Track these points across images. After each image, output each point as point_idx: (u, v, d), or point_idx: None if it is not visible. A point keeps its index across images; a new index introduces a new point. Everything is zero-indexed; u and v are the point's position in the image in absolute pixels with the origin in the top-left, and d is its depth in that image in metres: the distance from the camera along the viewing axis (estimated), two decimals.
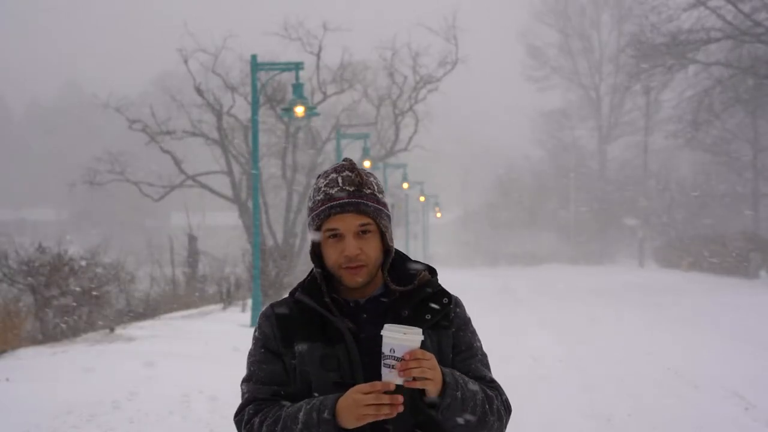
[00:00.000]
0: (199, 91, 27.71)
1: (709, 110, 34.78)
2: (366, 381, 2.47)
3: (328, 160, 31.22)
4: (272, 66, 18.29)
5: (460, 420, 2.46)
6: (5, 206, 66.32)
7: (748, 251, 33.88)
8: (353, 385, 2.43)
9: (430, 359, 2.36)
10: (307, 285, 2.61)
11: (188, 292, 23.78)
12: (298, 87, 16.56)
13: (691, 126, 35.67)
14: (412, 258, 2.72)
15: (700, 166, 48.34)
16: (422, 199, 48.09)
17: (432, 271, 2.69)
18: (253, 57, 16.96)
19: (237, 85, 28.54)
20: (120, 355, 11.80)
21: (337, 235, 2.52)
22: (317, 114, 19.24)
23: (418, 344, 2.33)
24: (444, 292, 2.62)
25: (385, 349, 2.33)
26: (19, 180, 73.27)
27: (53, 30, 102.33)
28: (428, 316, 2.54)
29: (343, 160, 2.59)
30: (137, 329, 15.38)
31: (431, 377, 2.35)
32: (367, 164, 27.52)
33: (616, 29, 61.01)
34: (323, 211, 2.53)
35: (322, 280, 2.57)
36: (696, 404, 9.17)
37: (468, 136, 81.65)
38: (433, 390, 2.38)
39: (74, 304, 15.76)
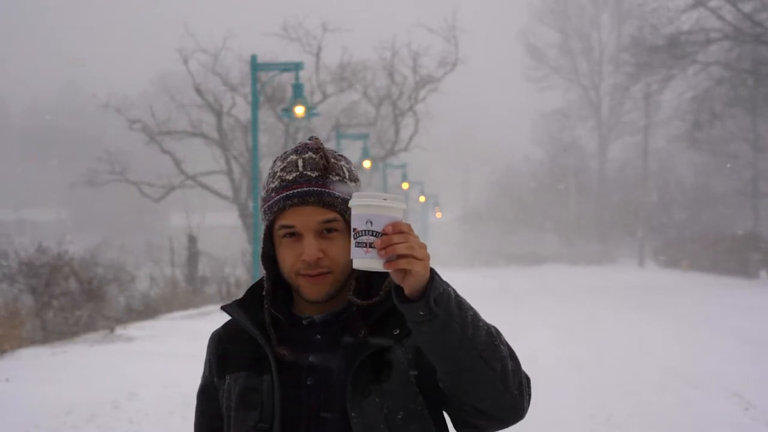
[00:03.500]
0: (199, 91, 27.72)
1: (710, 111, 34.78)
2: (288, 425, 1.98)
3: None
4: (272, 66, 18.29)
5: (455, 327, 1.79)
6: (5, 206, 66.27)
7: (748, 251, 33.87)
8: (270, 430, 1.98)
9: (416, 237, 1.81)
10: (249, 295, 2.12)
11: (188, 292, 23.78)
12: (297, 87, 16.56)
13: (692, 127, 35.67)
14: None
15: (700, 166, 48.33)
16: (422, 199, 48.08)
17: None
18: (253, 57, 16.96)
19: (237, 85, 28.54)
20: (120, 355, 11.80)
21: (294, 234, 2.00)
22: (317, 114, 19.23)
23: (402, 215, 1.84)
24: None
25: (358, 224, 1.79)
26: (19, 180, 73.24)
27: (53, 30, 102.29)
28: (396, 330, 1.99)
29: (309, 139, 2.07)
30: (137, 329, 15.38)
31: (421, 257, 1.77)
32: (367, 164, 27.52)
33: (616, 29, 61.02)
34: (277, 203, 2.00)
35: (269, 290, 2.06)
36: (696, 404, 9.17)
37: (468, 136, 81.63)
38: (420, 278, 1.77)
39: (74, 304, 15.76)
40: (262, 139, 28.35)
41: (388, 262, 1.76)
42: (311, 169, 2.01)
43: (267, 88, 25.97)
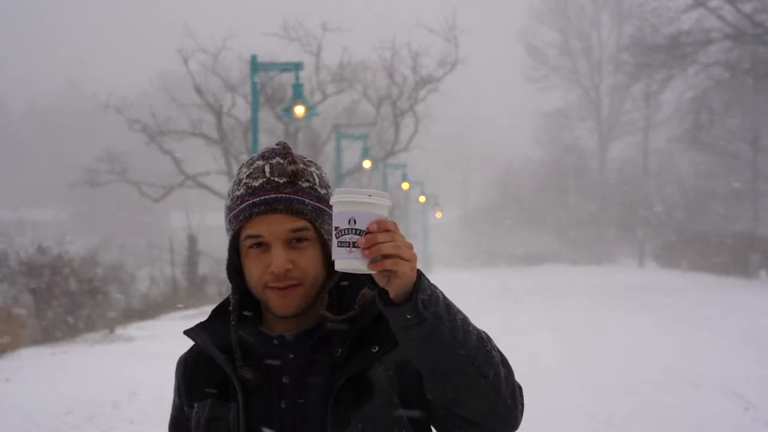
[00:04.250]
0: (199, 91, 27.72)
1: (710, 111, 34.79)
2: None
3: (327, 161, 31.21)
4: (272, 66, 18.30)
5: (444, 331, 1.67)
6: (5, 206, 66.26)
7: (748, 251, 33.87)
8: None
9: (402, 236, 1.69)
10: (213, 315, 1.98)
11: (188, 292, 23.78)
12: (297, 87, 16.57)
13: (692, 127, 35.69)
14: None
15: (700, 166, 48.33)
16: (422, 199, 48.08)
17: None
18: (253, 57, 16.96)
19: (237, 85, 28.55)
20: (120, 355, 11.80)
21: (261, 244, 1.86)
22: (317, 114, 19.25)
23: (387, 213, 1.71)
24: None
25: (341, 222, 1.68)
26: (19, 180, 73.24)
27: (53, 30, 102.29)
28: (375, 348, 1.85)
29: (276, 144, 1.95)
30: (137, 329, 15.39)
31: (408, 257, 1.65)
32: (367, 164, 27.51)
33: (616, 29, 61.01)
34: (243, 211, 1.87)
35: (236, 306, 1.93)
36: (696, 404, 9.17)
37: (468, 136, 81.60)
38: (407, 279, 1.65)
39: (74, 304, 15.76)
40: (262, 139, 28.31)
41: (373, 262, 1.65)
42: (279, 175, 1.88)
43: (267, 88, 25.98)
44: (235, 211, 1.89)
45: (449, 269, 43.43)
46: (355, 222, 1.66)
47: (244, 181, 1.90)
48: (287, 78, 25.29)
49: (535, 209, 61.94)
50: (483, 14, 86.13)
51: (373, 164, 29.50)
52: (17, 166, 74.67)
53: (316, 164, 1.96)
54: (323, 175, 1.94)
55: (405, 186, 37.65)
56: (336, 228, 1.68)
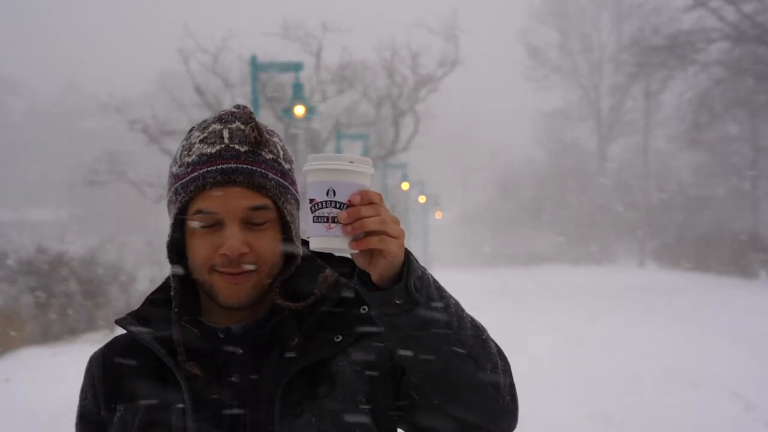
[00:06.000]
0: (199, 91, 27.72)
1: (710, 111, 34.80)
2: None
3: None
4: (272, 66, 18.30)
5: (438, 318, 1.46)
6: (5, 206, 66.26)
7: (748, 251, 33.87)
8: None
9: (387, 210, 1.46)
10: (147, 304, 1.72)
11: None
12: (297, 87, 16.57)
13: (692, 127, 35.70)
14: None
15: (700, 166, 48.35)
16: (423, 199, 48.08)
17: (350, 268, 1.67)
18: (253, 57, 16.97)
19: (237, 85, 28.55)
20: None
21: (214, 223, 1.58)
22: (317, 114, 19.25)
23: (370, 183, 1.48)
24: (360, 296, 1.56)
25: (317, 194, 1.44)
26: (19, 180, 73.24)
27: (53, 30, 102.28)
28: (338, 337, 1.62)
29: (235, 107, 1.66)
30: None
31: (395, 234, 1.43)
32: None
33: (616, 29, 61.01)
34: (194, 181, 1.58)
35: (178, 292, 1.65)
36: (696, 404, 9.17)
37: (468, 136, 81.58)
38: (394, 260, 1.43)
39: (74, 304, 15.76)
40: None
41: (356, 240, 1.42)
42: (239, 142, 1.59)
43: (267, 88, 25.98)
44: (183, 180, 1.59)
45: (449, 269, 43.38)
46: (334, 193, 1.43)
47: (197, 146, 1.60)
48: (287, 78, 25.31)
49: (535, 209, 61.96)
50: (483, 14, 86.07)
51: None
52: (17, 166, 74.70)
53: (278, 135, 1.69)
54: (286, 148, 1.68)
55: (405, 186, 37.66)
56: (311, 201, 1.44)
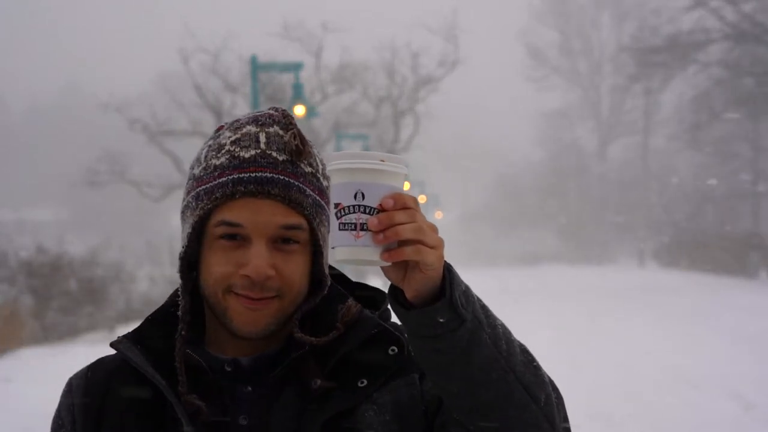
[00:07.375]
0: (199, 91, 27.74)
1: (710, 111, 34.82)
2: None
3: (327, 161, 31.21)
4: (272, 66, 18.30)
5: (485, 339, 1.26)
6: (5, 206, 66.28)
7: (748, 251, 33.88)
8: None
9: (423, 215, 1.27)
10: (148, 325, 1.48)
11: None
12: (297, 87, 16.57)
13: (692, 127, 35.73)
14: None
15: (700, 167, 48.35)
16: (423, 199, 48.06)
17: (377, 300, 1.51)
18: (253, 57, 16.96)
19: (237, 85, 28.57)
20: None
21: (237, 236, 1.38)
22: (317, 114, 19.25)
23: (403, 184, 1.29)
24: (389, 334, 1.43)
25: (343, 197, 1.24)
26: (19, 180, 73.26)
27: (53, 30, 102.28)
28: (362, 382, 1.40)
29: (271, 108, 1.46)
30: None
31: (433, 243, 1.25)
32: None
33: (616, 29, 61.03)
34: (221, 186, 1.37)
35: (186, 313, 1.43)
36: (696, 404, 9.17)
37: (468, 136, 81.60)
38: (433, 273, 1.24)
39: (74, 304, 15.77)
40: None
41: (388, 251, 1.22)
42: (278, 150, 1.39)
43: (267, 88, 25.99)
44: (208, 185, 1.38)
45: None
46: (363, 197, 1.23)
47: (227, 147, 1.40)
48: (287, 78, 25.33)
49: (535, 209, 61.97)
50: (483, 14, 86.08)
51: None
52: (17, 166, 74.72)
53: (316, 147, 1.50)
54: (325, 162, 1.47)
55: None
56: (337, 205, 1.24)
